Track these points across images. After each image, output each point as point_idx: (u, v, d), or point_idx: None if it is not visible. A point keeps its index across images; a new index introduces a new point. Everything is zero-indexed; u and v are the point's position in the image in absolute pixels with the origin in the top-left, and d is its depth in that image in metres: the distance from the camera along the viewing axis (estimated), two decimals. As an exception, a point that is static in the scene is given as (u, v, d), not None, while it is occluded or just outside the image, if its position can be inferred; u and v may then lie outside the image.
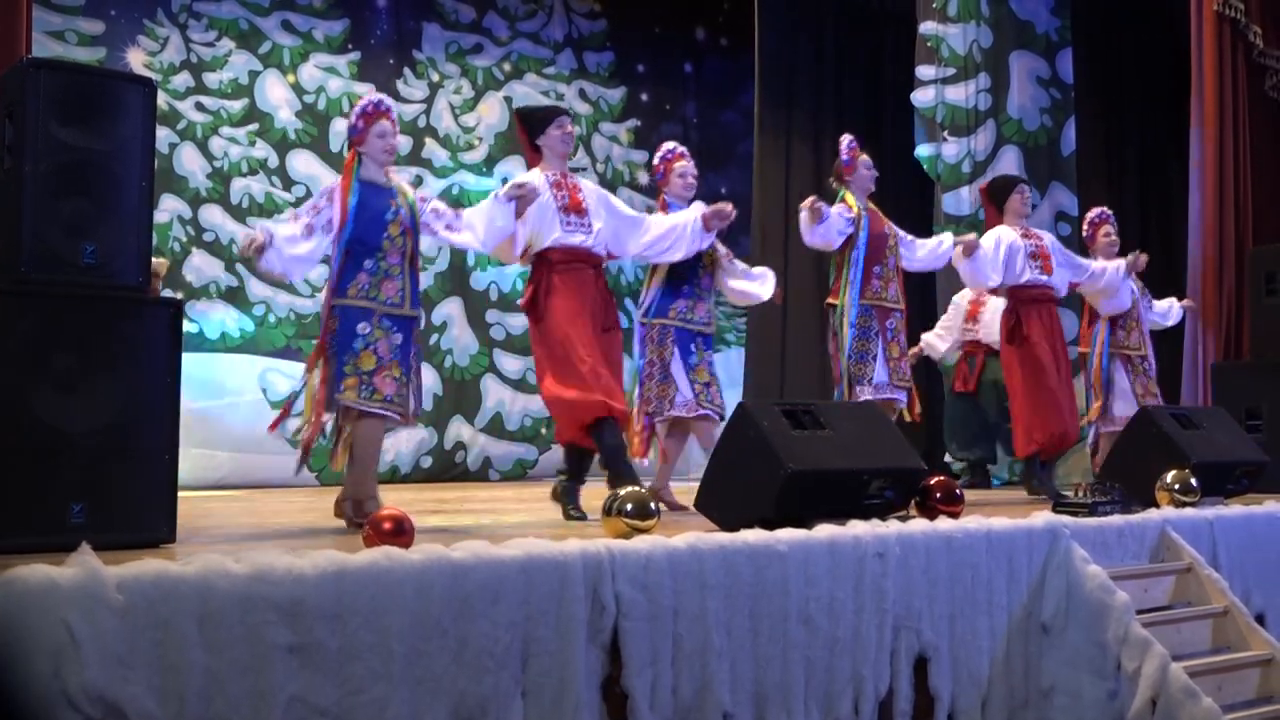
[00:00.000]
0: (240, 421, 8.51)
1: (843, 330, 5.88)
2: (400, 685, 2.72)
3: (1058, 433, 6.25)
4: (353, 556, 2.76)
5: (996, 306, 7.44)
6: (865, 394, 5.80)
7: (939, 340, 8.00)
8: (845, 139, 6.16)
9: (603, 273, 5.13)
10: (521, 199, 4.74)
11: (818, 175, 10.12)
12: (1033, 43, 8.72)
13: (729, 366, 9.68)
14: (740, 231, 8.91)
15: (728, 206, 5.37)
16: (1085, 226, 7.17)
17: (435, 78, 9.69)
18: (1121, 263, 6.76)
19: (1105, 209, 7.18)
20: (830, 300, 6.03)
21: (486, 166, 9.88)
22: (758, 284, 5.79)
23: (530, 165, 5.21)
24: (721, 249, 5.69)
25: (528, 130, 5.17)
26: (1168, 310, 7.31)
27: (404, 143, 9.41)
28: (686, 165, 5.73)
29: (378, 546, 2.94)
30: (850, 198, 5.98)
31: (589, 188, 5.18)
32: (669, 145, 5.83)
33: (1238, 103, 7.62)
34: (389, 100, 4.75)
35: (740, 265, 5.82)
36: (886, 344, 5.94)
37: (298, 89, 9.10)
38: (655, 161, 5.84)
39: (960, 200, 8.40)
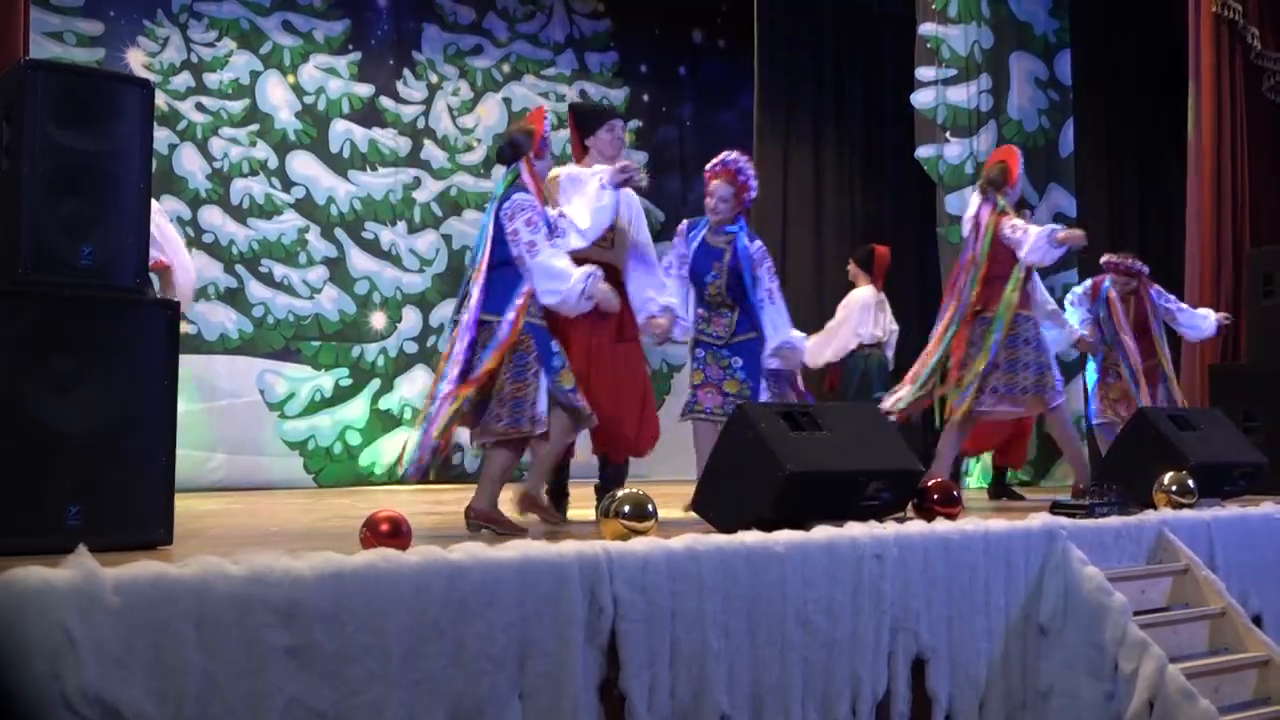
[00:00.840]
0: (238, 423, 8.50)
1: (988, 338, 5.74)
2: (397, 687, 2.72)
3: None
4: (350, 558, 2.76)
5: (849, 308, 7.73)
6: (989, 402, 5.76)
7: (821, 344, 7.74)
8: (1016, 152, 6.06)
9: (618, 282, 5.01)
10: (628, 180, 4.69)
11: (817, 176, 10.12)
12: (1031, 44, 8.73)
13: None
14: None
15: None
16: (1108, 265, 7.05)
17: (434, 79, 9.68)
18: (1079, 332, 6.76)
19: (1134, 262, 6.94)
20: (982, 310, 5.81)
21: (484, 168, 9.85)
22: (783, 351, 5.26)
23: (576, 163, 5.15)
24: (760, 276, 5.23)
25: (579, 128, 5.10)
26: (1204, 318, 7.05)
27: (403, 144, 9.43)
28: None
29: (375, 548, 2.94)
30: (1009, 209, 5.90)
31: (626, 198, 5.00)
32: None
33: (1236, 104, 7.62)
34: None
35: (779, 313, 5.25)
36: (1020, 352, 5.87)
37: (298, 89, 9.09)
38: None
39: (963, 201, 8.36)
